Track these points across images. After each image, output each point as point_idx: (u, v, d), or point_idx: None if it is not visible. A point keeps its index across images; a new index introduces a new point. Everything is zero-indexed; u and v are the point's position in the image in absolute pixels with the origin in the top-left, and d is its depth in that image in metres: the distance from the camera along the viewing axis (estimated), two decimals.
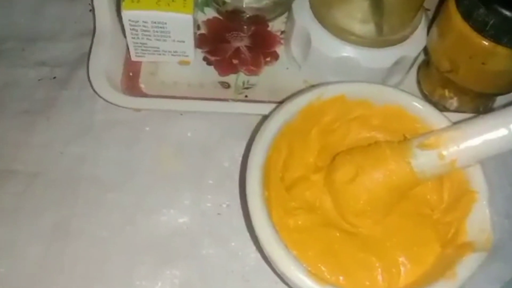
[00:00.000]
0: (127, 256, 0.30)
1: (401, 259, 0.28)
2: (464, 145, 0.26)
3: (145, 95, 0.36)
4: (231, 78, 0.37)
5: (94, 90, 0.34)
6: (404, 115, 0.30)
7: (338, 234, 0.28)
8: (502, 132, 0.25)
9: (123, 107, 0.34)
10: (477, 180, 0.27)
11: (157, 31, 0.34)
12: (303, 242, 0.27)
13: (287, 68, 0.38)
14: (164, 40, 0.35)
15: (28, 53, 0.38)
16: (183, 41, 0.35)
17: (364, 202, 0.28)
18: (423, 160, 0.27)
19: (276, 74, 0.37)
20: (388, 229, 0.28)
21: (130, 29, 0.34)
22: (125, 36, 0.35)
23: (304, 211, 0.28)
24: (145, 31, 0.34)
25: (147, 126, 0.34)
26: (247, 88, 0.37)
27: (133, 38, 0.35)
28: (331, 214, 0.29)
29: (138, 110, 0.35)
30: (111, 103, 0.34)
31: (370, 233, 0.28)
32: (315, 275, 0.24)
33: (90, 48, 0.36)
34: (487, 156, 0.26)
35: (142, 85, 0.36)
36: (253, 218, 0.25)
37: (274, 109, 0.29)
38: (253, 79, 0.37)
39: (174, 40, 0.35)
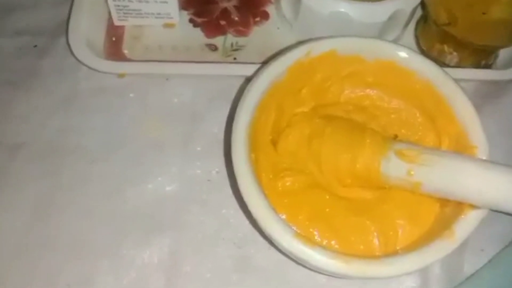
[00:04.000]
0: (114, 226, 0.29)
1: (399, 221, 0.27)
2: (435, 176, 0.24)
3: (129, 61, 0.34)
4: (218, 40, 0.35)
5: (75, 57, 0.33)
6: (398, 70, 0.28)
7: (327, 197, 0.27)
8: (475, 183, 0.23)
9: (106, 72, 0.32)
10: (476, 134, 0.26)
11: None
12: (292, 205, 0.26)
13: (278, 28, 0.36)
14: (146, 1, 0.33)
15: (7, 22, 0.37)
16: (166, 2, 0.33)
17: (333, 173, 0.27)
18: (393, 167, 0.25)
19: (267, 35, 0.36)
20: (384, 192, 0.27)
21: None
22: None
23: (293, 173, 0.27)
24: None
25: (132, 93, 0.33)
26: (235, 50, 0.35)
27: (114, 0, 0.33)
28: (318, 175, 0.27)
29: (122, 76, 0.33)
30: (93, 69, 0.32)
31: (363, 197, 0.27)
32: (304, 238, 0.23)
33: (69, 14, 0.34)
34: (451, 197, 0.24)
35: (125, 51, 0.35)
36: (239, 181, 0.24)
37: (259, 69, 0.27)
38: (242, 40, 0.35)
39: (156, 1, 0.33)
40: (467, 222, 0.24)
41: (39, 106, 0.33)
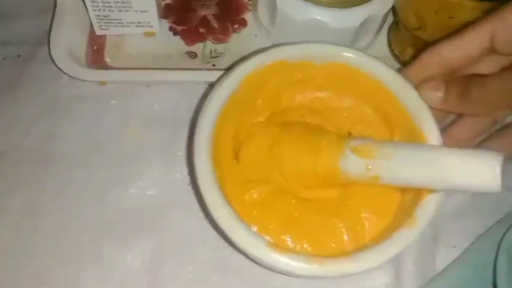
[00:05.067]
0: (97, 230, 0.30)
1: (364, 214, 0.27)
2: (391, 168, 0.25)
3: (110, 69, 0.35)
4: (198, 48, 0.36)
5: (56, 66, 0.33)
6: (348, 71, 0.28)
7: (294, 201, 0.27)
8: (430, 168, 0.24)
9: (87, 81, 0.33)
10: (427, 122, 0.26)
11: (118, 2, 0.33)
12: (262, 216, 0.26)
13: (256, 35, 0.37)
14: (127, 11, 0.34)
15: None
16: (146, 11, 0.34)
17: (296, 178, 0.27)
18: (351, 164, 0.26)
19: (245, 41, 0.37)
20: (346, 188, 0.28)
21: (91, 1, 0.33)
22: (87, 9, 0.34)
23: (258, 183, 0.27)
24: (105, 2, 0.33)
25: (113, 100, 0.34)
26: (214, 57, 0.36)
27: (95, 10, 0.34)
28: (282, 181, 0.28)
29: (103, 83, 0.34)
30: (75, 77, 0.33)
31: (328, 196, 0.28)
32: (277, 246, 0.24)
33: (51, 24, 0.35)
34: (409, 185, 0.25)
35: (107, 59, 0.35)
36: (206, 199, 0.24)
37: (219, 79, 0.27)
38: (220, 47, 0.36)
39: (136, 11, 0.34)
40: (427, 207, 0.25)
41: (23, 114, 0.34)
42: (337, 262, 0.24)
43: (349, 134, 0.29)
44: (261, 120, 0.30)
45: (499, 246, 0.28)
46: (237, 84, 0.27)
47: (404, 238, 0.24)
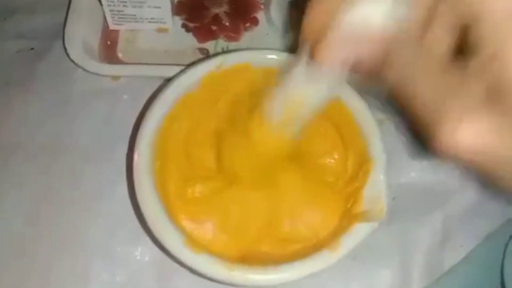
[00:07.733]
0: (107, 224, 0.30)
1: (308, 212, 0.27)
2: None
3: (123, 64, 0.35)
4: (210, 45, 0.36)
5: (71, 59, 0.34)
6: None
7: (238, 197, 0.27)
8: None
9: (101, 75, 0.34)
10: (375, 147, 0.27)
11: None
12: (201, 212, 0.27)
13: (267, 34, 0.37)
14: (140, 7, 0.35)
15: (5, 26, 0.38)
16: (160, 7, 0.35)
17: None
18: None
19: (256, 40, 0.37)
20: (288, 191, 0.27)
21: None
22: (101, 4, 0.35)
23: (203, 179, 0.27)
24: None
25: (126, 94, 0.34)
26: None
27: (109, 5, 0.35)
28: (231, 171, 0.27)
29: (116, 78, 0.34)
30: (88, 71, 0.33)
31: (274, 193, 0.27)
32: (194, 243, 0.24)
33: (66, 17, 0.35)
34: None
35: (120, 54, 0.36)
36: (137, 190, 0.25)
37: (173, 78, 0.28)
38: (232, 45, 0.37)
39: (150, 6, 0.35)
40: (355, 234, 0.25)
41: (36, 107, 0.34)
42: (245, 271, 0.24)
43: None
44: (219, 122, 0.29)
45: (506, 246, 0.28)
46: (193, 83, 0.27)
47: (322, 261, 0.24)
